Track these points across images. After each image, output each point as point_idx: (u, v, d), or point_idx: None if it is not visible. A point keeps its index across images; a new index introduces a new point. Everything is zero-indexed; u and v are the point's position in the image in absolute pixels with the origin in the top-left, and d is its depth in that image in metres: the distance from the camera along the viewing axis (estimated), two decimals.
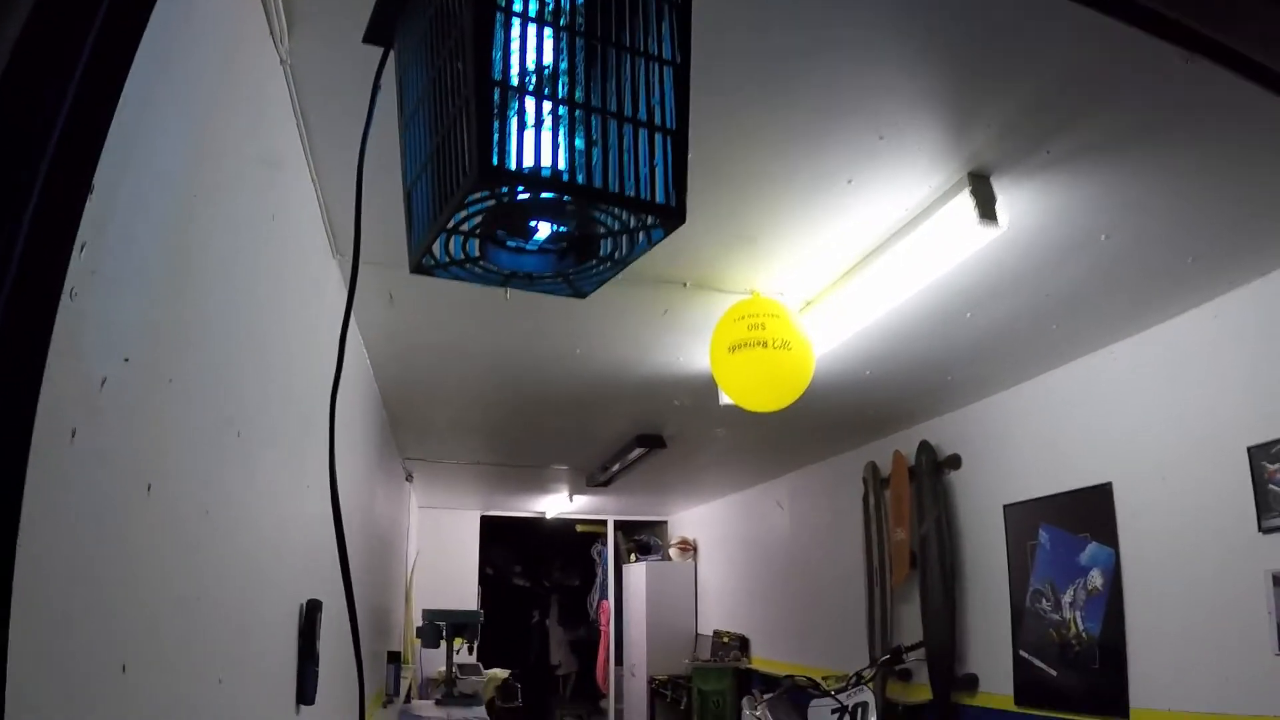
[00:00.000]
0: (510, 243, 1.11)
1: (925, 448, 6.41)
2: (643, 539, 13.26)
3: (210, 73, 1.62)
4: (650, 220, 1.08)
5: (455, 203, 1.00)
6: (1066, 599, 5.04)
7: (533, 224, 1.08)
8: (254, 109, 2.03)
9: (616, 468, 8.09)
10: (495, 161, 0.95)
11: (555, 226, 1.09)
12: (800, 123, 2.67)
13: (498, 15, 1.04)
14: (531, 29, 1.06)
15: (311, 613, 2.91)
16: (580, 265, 1.15)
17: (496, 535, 13.05)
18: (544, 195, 1.02)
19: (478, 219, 1.05)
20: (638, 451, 7.32)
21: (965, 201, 2.89)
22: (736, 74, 2.38)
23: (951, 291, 3.81)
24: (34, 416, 0.88)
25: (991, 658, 5.72)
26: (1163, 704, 4.34)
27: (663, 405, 6.15)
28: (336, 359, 1.33)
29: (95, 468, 1.14)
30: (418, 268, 1.16)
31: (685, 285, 3.79)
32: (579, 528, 13.71)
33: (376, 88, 1.32)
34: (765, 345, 3.40)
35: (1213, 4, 1.44)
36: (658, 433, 7.08)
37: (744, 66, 2.36)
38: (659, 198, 1.06)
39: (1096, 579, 4.83)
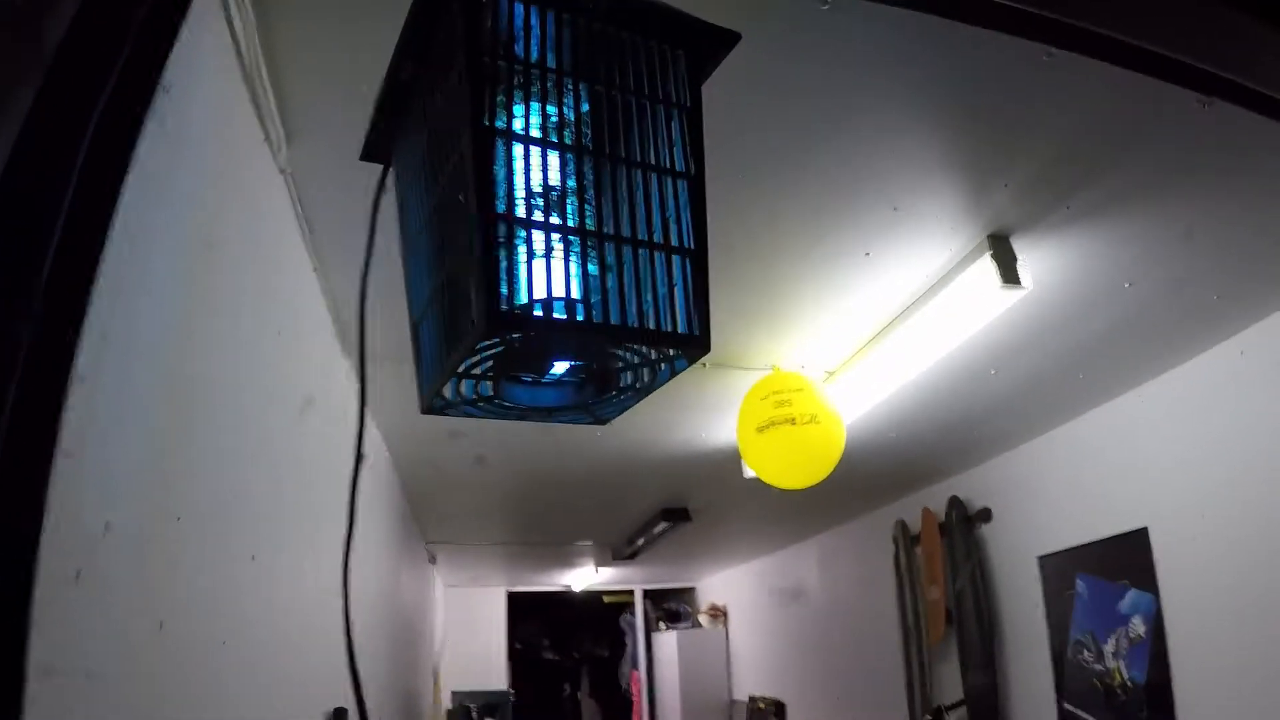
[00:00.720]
0: (526, 377, 1.06)
1: (955, 503, 6.31)
2: (671, 606, 13.12)
3: (205, 189, 1.60)
4: (673, 351, 1.03)
5: (464, 349, 0.96)
6: (1109, 648, 4.93)
7: (548, 361, 1.04)
8: (253, 221, 2.01)
9: (642, 541, 8.03)
10: (504, 308, 0.91)
11: (572, 363, 1.05)
12: (816, 198, 2.65)
13: (498, 142, 1.00)
14: (535, 151, 1.02)
15: None
16: (600, 396, 1.11)
17: (524, 610, 12.93)
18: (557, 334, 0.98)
19: (489, 362, 1.01)
20: (663, 525, 7.27)
21: (987, 265, 2.85)
22: (751, 151, 2.36)
23: (975, 351, 3.76)
24: (35, 565, 0.85)
25: (1035, 712, 5.58)
26: None
27: (687, 479, 6.11)
28: (349, 500, 1.27)
29: (102, 608, 1.10)
30: (429, 409, 1.12)
31: (705, 366, 3.75)
32: (606, 598, 13.60)
33: (376, 207, 1.28)
34: (793, 422, 3.35)
35: (1225, 45, 1.43)
36: (683, 505, 7.04)
37: (759, 143, 2.34)
38: (680, 327, 1.01)
39: (1139, 626, 4.72)
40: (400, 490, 5.84)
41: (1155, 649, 4.58)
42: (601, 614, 14.07)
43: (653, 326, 1.00)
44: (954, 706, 5.99)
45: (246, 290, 1.94)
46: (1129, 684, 4.75)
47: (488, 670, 11.37)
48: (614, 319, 0.98)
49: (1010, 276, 2.85)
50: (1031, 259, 2.99)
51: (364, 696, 1.28)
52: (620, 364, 1.07)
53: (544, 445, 4.96)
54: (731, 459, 5.22)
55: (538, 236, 0.97)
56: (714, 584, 12.40)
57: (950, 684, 6.32)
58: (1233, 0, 1.30)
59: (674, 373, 1.07)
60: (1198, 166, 2.61)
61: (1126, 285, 3.35)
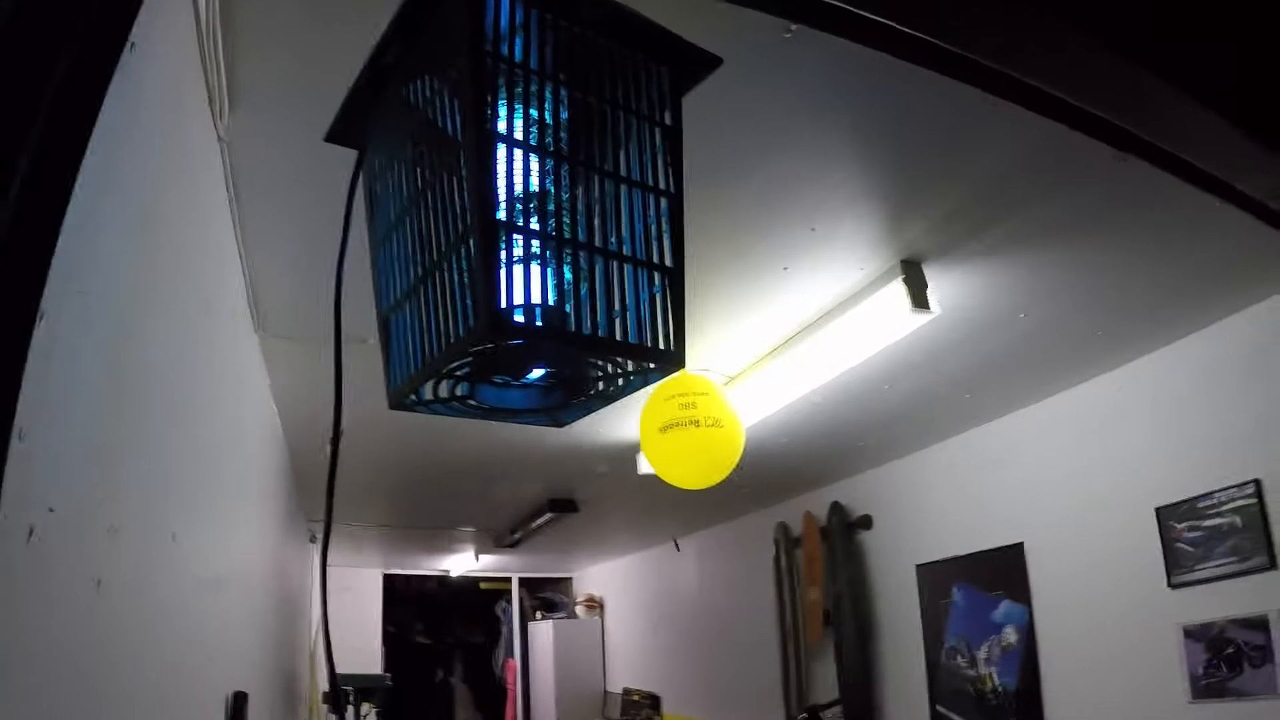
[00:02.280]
0: (498, 379, 1.08)
1: (837, 508, 6.46)
2: (548, 596, 13.09)
3: (154, 155, 1.55)
4: (651, 365, 1.06)
5: (456, 350, 0.97)
6: (981, 655, 5.11)
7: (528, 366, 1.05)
8: (190, 190, 1.96)
9: (525, 530, 7.99)
10: (504, 315, 0.93)
11: (549, 369, 1.06)
12: (743, 214, 2.72)
13: (496, 145, 1.01)
14: (521, 155, 1.04)
15: (239, 705, 2.81)
16: (566, 401, 1.13)
17: (399, 593, 12.77)
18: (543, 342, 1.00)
19: (470, 364, 1.02)
20: (549, 516, 7.25)
21: (898, 289, 2.94)
22: (685, 162, 2.39)
23: (872, 367, 3.86)
24: None
25: (909, 713, 5.78)
26: None
27: (576, 471, 6.11)
28: (328, 483, 1.26)
29: (48, 571, 1.08)
30: (399, 405, 1.12)
31: None
32: (482, 585, 13.49)
33: (353, 192, 1.27)
34: (697, 424, 3.39)
35: (1143, 106, 1.50)
36: (570, 497, 7.03)
37: (693, 155, 2.36)
38: (660, 343, 1.04)
39: (1011, 635, 4.91)
40: (290, 467, 5.74)
41: (1026, 657, 4.79)
42: (477, 601, 13.96)
43: (633, 340, 1.03)
44: (829, 705, 6.12)
45: (180, 264, 1.90)
46: (1000, 689, 4.94)
47: (362, 653, 11.19)
48: (600, 330, 1.00)
49: (920, 301, 2.95)
50: (939, 284, 3.09)
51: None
52: (596, 373, 1.09)
53: (435, 429, 4.91)
54: (624, 454, 5.26)
55: (520, 242, 0.99)
56: (591, 575, 12.40)
57: (826, 683, 6.46)
58: (1155, 68, 1.37)
59: (645, 383, 1.10)
60: (1103, 215, 2.76)
61: (1021, 316, 3.49)
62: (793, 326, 3.57)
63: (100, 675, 1.37)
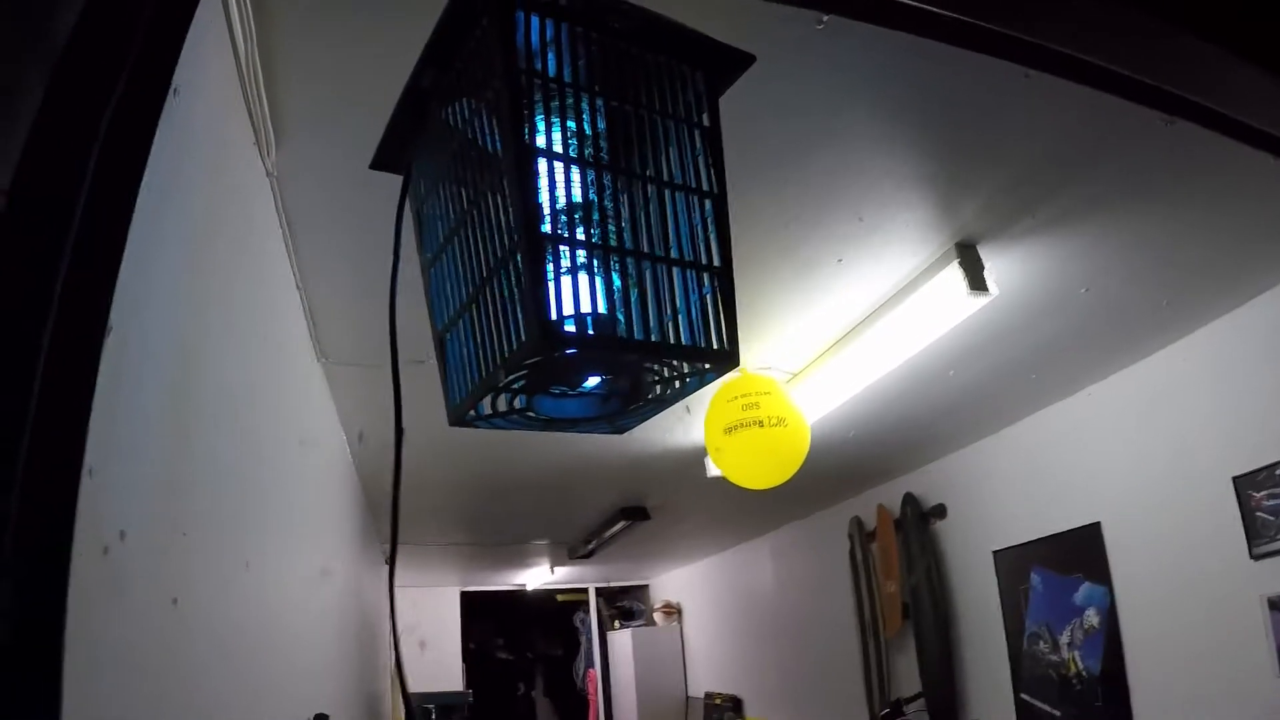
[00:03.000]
0: (554, 389, 1.09)
1: (910, 499, 6.41)
2: (625, 605, 13.12)
3: (204, 194, 1.59)
4: (706, 366, 1.06)
5: (510, 365, 0.98)
6: (1064, 639, 5.03)
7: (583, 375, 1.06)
8: (243, 226, 2.00)
9: (599, 540, 8.03)
10: (555, 327, 0.94)
11: (604, 377, 1.07)
12: (793, 208, 2.71)
13: (537, 159, 1.02)
14: (560, 167, 1.05)
15: None
16: (625, 408, 1.14)
17: (477, 610, 12.86)
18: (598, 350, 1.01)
19: (525, 376, 1.03)
20: (621, 524, 7.27)
21: (954, 272, 2.92)
22: (733, 162, 2.39)
23: (935, 353, 3.82)
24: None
25: (993, 703, 5.69)
26: None
27: (647, 478, 6.13)
28: (391, 506, 1.28)
29: (122, 616, 1.11)
30: (459, 421, 1.14)
31: None
32: (560, 597, 13.56)
33: (400, 217, 1.28)
34: (761, 424, 3.38)
35: (1190, 69, 1.48)
36: (641, 504, 7.05)
37: (742, 155, 2.37)
38: (714, 343, 1.05)
39: (1092, 617, 4.83)
40: (361, 492, 5.81)
41: (1109, 639, 4.69)
42: (555, 613, 14.03)
43: (686, 343, 1.04)
44: (913, 699, 6.06)
45: (237, 298, 1.93)
46: (1084, 673, 4.86)
47: (443, 670, 11.29)
48: (652, 335, 1.01)
49: (977, 283, 2.92)
50: (996, 265, 3.06)
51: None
52: (652, 378, 1.10)
53: (503, 445, 4.95)
54: (693, 458, 5.26)
55: (571, 253, 1.00)
56: (668, 581, 12.41)
57: (908, 676, 6.41)
58: (1195, 28, 1.35)
59: (701, 385, 1.10)
60: (1155, 181, 2.71)
61: (1083, 291, 3.44)
62: (852, 318, 3.55)
63: (179, 698, 1.40)
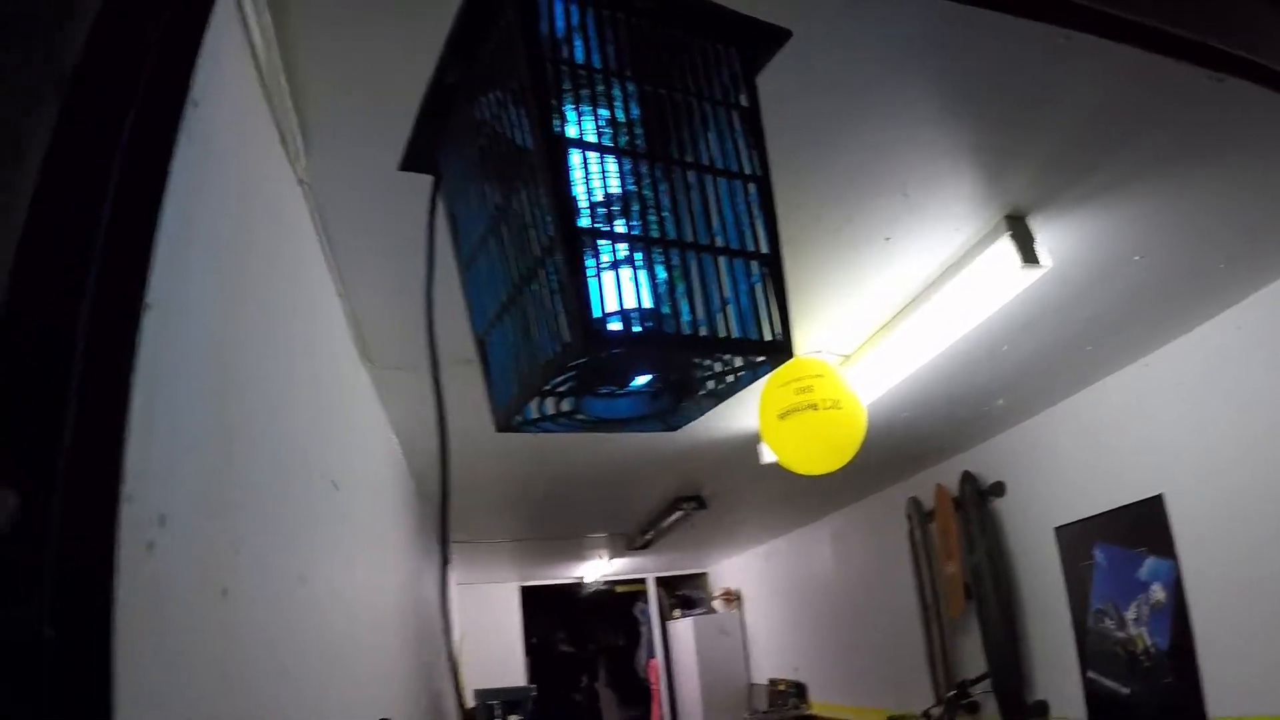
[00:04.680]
0: (603, 389, 1.04)
1: (968, 478, 6.31)
2: (685, 593, 13.14)
3: (232, 205, 1.57)
4: (759, 358, 1.02)
5: (554, 368, 0.94)
6: (1130, 615, 4.93)
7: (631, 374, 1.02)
8: (275, 235, 1.98)
9: (656, 530, 8.03)
10: (598, 326, 0.89)
11: (654, 375, 1.03)
12: (839, 187, 2.66)
13: (569, 151, 0.98)
14: (595, 157, 1.00)
15: None
16: (676, 404, 1.09)
17: (538, 604, 12.92)
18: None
19: (572, 378, 0.99)
20: (678, 514, 7.28)
21: (1005, 245, 2.85)
22: (776, 142, 2.35)
23: (988, 328, 3.75)
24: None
25: (1060, 682, 5.60)
26: (1240, 709, 4.23)
27: (702, 467, 6.11)
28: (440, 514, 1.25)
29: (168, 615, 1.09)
30: (506, 427, 1.10)
31: None
32: (619, 588, 13.60)
33: (433, 218, 1.25)
34: (815, 407, 3.33)
35: (1235, 21, 1.43)
36: (697, 493, 7.03)
37: (785, 134, 2.32)
38: (765, 334, 1.00)
39: (1159, 592, 4.72)
40: (416, 493, 5.83)
41: (1176, 614, 4.59)
42: (615, 604, 14.08)
43: (737, 335, 0.99)
44: (978, 680, 5.99)
45: (274, 307, 1.91)
46: (1152, 649, 4.76)
47: (506, 665, 11.36)
48: (700, 329, 0.96)
49: (1029, 256, 2.85)
50: (1046, 237, 2.99)
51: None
52: (704, 373, 1.06)
53: (558, 441, 4.93)
54: (747, 445, 5.22)
55: (609, 247, 0.96)
56: (726, 568, 12.41)
57: (972, 657, 6.34)
58: None
59: (755, 378, 1.06)
60: (1207, 142, 2.63)
61: (1137, 258, 3.36)
62: (903, 297, 3.49)
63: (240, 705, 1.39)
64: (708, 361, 1.04)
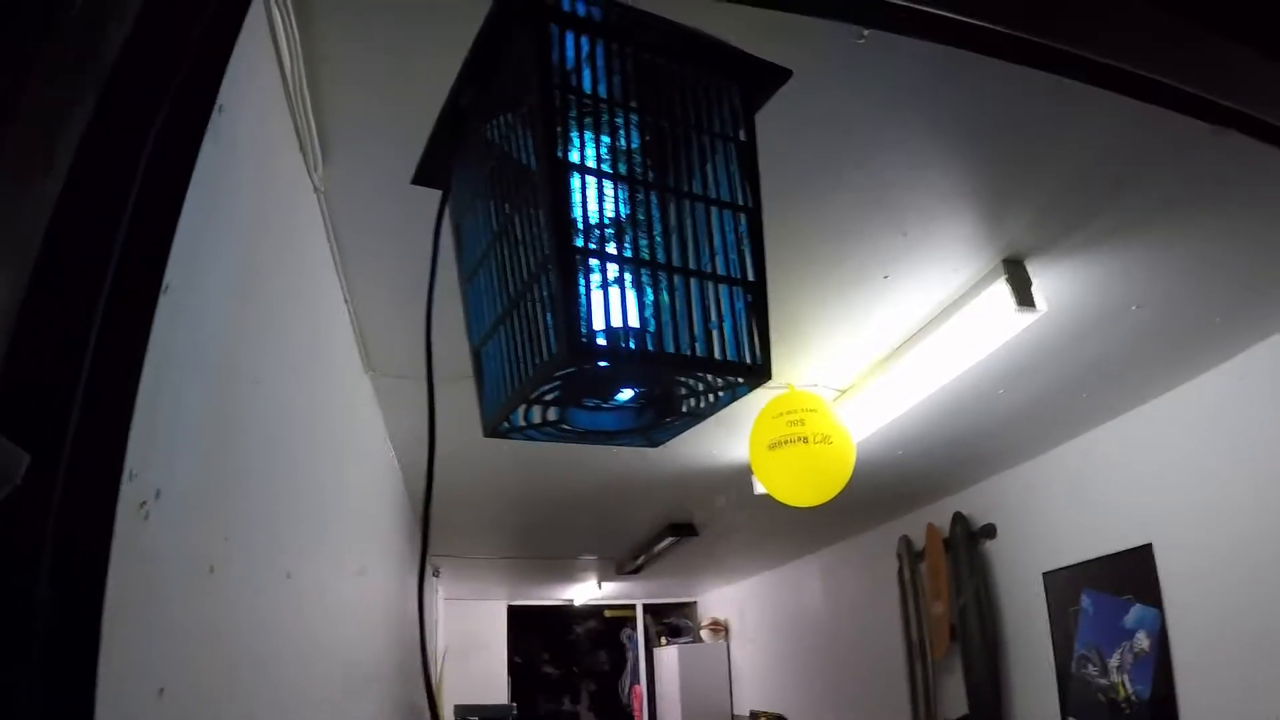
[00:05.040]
0: (589, 402, 1.09)
1: (959, 519, 6.35)
2: (672, 621, 13.14)
3: (250, 209, 1.62)
4: (739, 380, 1.07)
5: (541, 376, 0.99)
6: (1113, 662, 4.96)
7: (616, 388, 1.07)
8: (289, 240, 2.04)
9: (647, 556, 8.06)
10: (585, 339, 0.94)
11: (637, 390, 1.08)
12: (839, 224, 2.72)
13: (571, 175, 1.03)
14: (593, 182, 1.05)
15: None
16: (659, 421, 1.14)
17: (525, 623, 12.92)
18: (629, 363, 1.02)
19: (558, 389, 1.04)
20: (669, 540, 7.31)
21: (1001, 289, 2.90)
22: (778, 177, 2.40)
23: (984, 370, 3.80)
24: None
25: None
26: None
27: (695, 495, 6.15)
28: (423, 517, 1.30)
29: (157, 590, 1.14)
30: (493, 433, 1.15)
31: None
32: (607, 613, 13.61)
33: (438, 232, 1.30)
34: (806, 441, 3.38)
35: (1233, 78, 1.47)
36: (689, 521, 7.07)
37: (786, 170, 2.39)
38: (746, 357, 1.05)
39: (1143, 640, 4.75)
40: (409, 505, 5.87)
41: (1160, 663, 4.61)
42: (602, 628, 14.07)
43: (719, 356, 1.04)
44: None
45: (281, 306, 1.96)
46: (1134, 698, 4.78)
47: (489, 683, 11.36)
48: (683, 348, 1.01)
49: (1025, 299, 2.90)
50: (1044, 282, 3.04)
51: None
52: (684, 391, 1.11)
53: (553, 461, 4.98)
54: (740, 475, 5.26)
55: (603, 267, 1.01)
56: (715, 599, 12.41)
57: (955, 697, 6.35)
58: (1241, 36, 1.34)
59: (734, 399, 1.10)
60: (1207, 193, 2.67)
61: (1134, 308, 3.40)
62: (899, 336, 3.54)
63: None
64: (690, 380, 1.09)
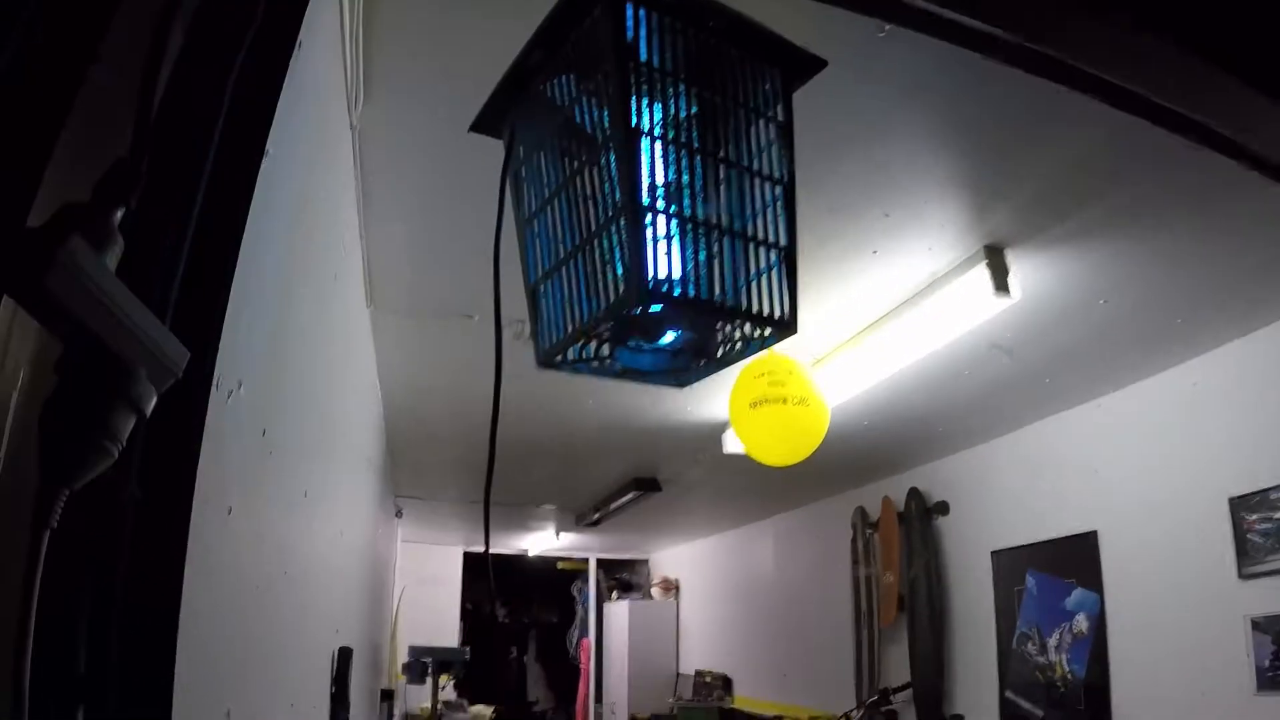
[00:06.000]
0: (631, 343, 1.23)
1: (915, 494, 6.55)
2: (624, 577, 13.29)
3: (308, 145, 1.72)
4: (768, 331, 1.21)
5: (609, 315, 1.12)
6: (1052, 642, 5.17)
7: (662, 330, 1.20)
8: (329, 173, 2.13)
9: (607, 510, 8.15)
10: (650, 282, 1.08)
11: (680, 333, 1.21)
12: (837, 200, 2.86)
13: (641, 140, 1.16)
14: (658, 147, 1.19)
15: (344, 660, 2.98)
16: (690, 365, 1.28)
17: (477, 570, 13.01)
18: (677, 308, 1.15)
19: (613, 327, 1.18)
20: (633, 494, 7.41)
21: (981, 274, 3.05)
22: None
23: (953, 352, 3.97)
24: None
25: (978, 699, 5.85)
26: None
27: (663, 450, 6.27)
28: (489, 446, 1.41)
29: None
30: (548, 364, 1.28)
31: None
32: (560, 565, 13.72)
33: (504, 179, 1.41)
34: (785, 401, 3.50)
35: (1213, 100, 1.60)
36: (654, 476, 7.19)
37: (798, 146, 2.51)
38: (776, 312, 1.19)
39: (1082, 623, 4.97)
40: (386, 441, 5.94)
41: (1096, 646, 4.84)
42: (554, 580, 14.19)
43: (755, 309, 1.18)
44: (901, 689, 6.21)
45: (318, 240, 2.06)
46: (1069, 677, 5.00)
47: (441, 627, 11.45)
48: (728, 299, 1.15)
49: (1002, 285, 3.05)
50: (1021, 270, 3.20)
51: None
52: (721, 338, 1.24)
53: (536, 406, 5.09)
54: (711, 433, 5.39)
55: (661, 223, 1.14)
56: (668, 557, 12.57)
57: (898, 666, 6.57)
58: (1221, 62, 1.47)
59: (761, 348, 1.24)
60: (1180, 203, 2.84)
61: (1101, 302, 3.57)
62: (879, 310, 3.70)
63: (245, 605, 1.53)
64: (728, 329, 1.23)
